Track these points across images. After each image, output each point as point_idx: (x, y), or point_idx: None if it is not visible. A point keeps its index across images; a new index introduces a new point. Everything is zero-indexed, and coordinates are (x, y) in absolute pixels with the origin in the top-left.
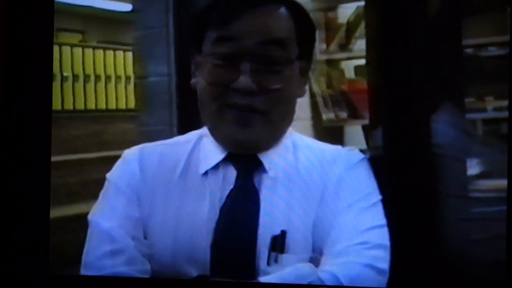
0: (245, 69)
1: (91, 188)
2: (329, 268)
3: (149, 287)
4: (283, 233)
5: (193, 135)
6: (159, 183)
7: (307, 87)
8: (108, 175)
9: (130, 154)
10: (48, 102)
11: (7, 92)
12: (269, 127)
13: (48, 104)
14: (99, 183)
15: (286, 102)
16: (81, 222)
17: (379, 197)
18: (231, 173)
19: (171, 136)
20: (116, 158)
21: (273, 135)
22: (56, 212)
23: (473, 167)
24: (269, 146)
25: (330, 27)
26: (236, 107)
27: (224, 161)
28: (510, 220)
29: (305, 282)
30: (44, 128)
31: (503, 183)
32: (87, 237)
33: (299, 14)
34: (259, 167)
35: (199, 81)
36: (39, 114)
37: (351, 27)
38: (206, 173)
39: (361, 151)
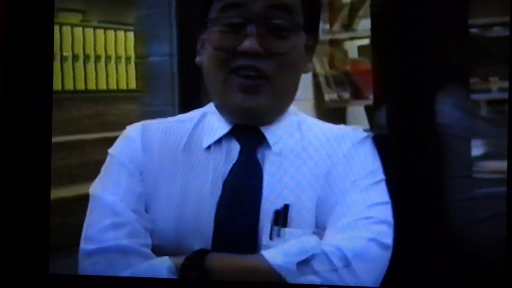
0: (251, 32)
1: (93, 169)
2: (333, 241)
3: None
4: (286, 206)
5: (196, 112)
6: (162, 159)
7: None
8: (110, 150)
9: (133, 130)
10: (49, 83)
11: (8, 74)
12: (274, 94)
13: (49, 86)
14: (101, 164)
15: (290, 69)
16: (82, 203)
17: (383, 176)
18: (235, 147)
19: (173, 116)
20: (117, 138)
21: (277, 105)
22: (57, 193)
23: (477, 148)
24: (273, 117)
25: (334, 7)
26: (242, 69)
27: (228, 135)
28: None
29: (308, 254)
30: (45, 109)
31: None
32: (88, 211)
33: None
34: (263, 142)
35: (205, 54)
36: (40, 96)
37: (354, 7)
38: (209, 147)
39: (364, 131)
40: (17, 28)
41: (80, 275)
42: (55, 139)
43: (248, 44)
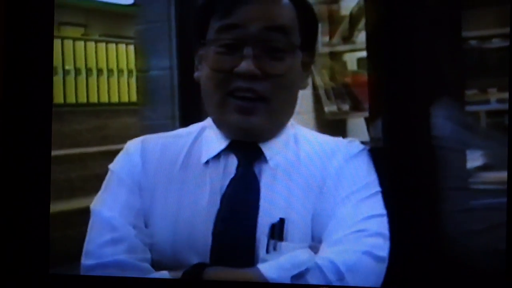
0: (248, 54)
1: (93, 183)
2: (327, 255)
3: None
4: (282, 220)
5: (195, 127)
6: (161, 174)
7: (309, 81)
8: (110, 166)
9: (132, 146)
10: (49, 96)
11: (8, 87)
12: (271, 115)
13: (49, 98)
14: (101, 177)
15: (287, 89)
16: (83, 217)
17: (378, 188)
18: (232, 162)
19: (173, 130)
20: (118, 152)
21: (275, 124)
22: (58, 207)
23: (475, 160)
24: (271, 135)
25: (333, 20)
26: (239, 91)
27: (225, 150)
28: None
29: (302, 268)
30: (44, 122)
31: (505, 175)
32: (89, 227)
33: (301, 4)
34: (260, 156)
35: (202, 71)
36: (40, 109)
37: (354, 19)
38: (207, 162)
39: (363, 143)
40: (17, 42)
41: (80, 275)
42: (56, 153)
43: (245, 66)
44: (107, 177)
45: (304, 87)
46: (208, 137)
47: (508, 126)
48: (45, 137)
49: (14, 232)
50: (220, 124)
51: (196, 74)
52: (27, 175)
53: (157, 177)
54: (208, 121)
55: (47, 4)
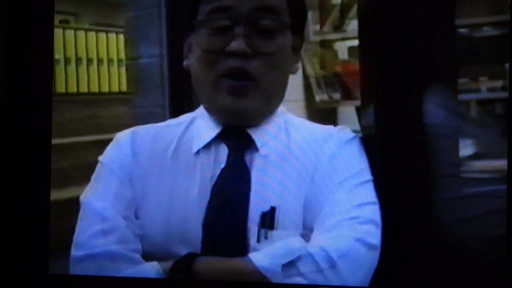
0: (238, 33)
1: (85, 172)
2: (319, 242)
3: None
4: (272, 209)
5: (186, 117)
6: (151, 165)
7: (300, 68)
8: (100, 157)
9: (123, 137)
10: (49, 86)
11: (7, 77)
12: (262, 95)
13: (49, 89)
14: (93, 166)
15: (278, 70)
16: (75, 206)
17: (370, 176)
18: (223, 151)
19: (164, 118)
20: (109, 141)
21: (266, 106)
22: (50, 196)
23: (466, 148)
24: (262, 119)
25: (324, 8)
26: (231, 72)
27: (216, 139)
28: (510, 197)
29: (294, 256)
30: (44, 112)
31: (497, 163)
32: (79, 218)
33: None
34: (251, 145)
35: (193, 56)
36: (39, 98)
37: (345, 8)
38: (198, 152)
39: (354, 131)
40: (16, 32)
41: (80, 275)
42: None
43: (236, 45)
44: (97, 169)
45: (294, 71)
46: (198, 127)
47: (507, 114)
48: (44, 127)
49: (13, 221)
50: (211, 109)
51: (185, 63)
52: (26, 166)
53: (147, 167)
54: (199, 111)
55: None
